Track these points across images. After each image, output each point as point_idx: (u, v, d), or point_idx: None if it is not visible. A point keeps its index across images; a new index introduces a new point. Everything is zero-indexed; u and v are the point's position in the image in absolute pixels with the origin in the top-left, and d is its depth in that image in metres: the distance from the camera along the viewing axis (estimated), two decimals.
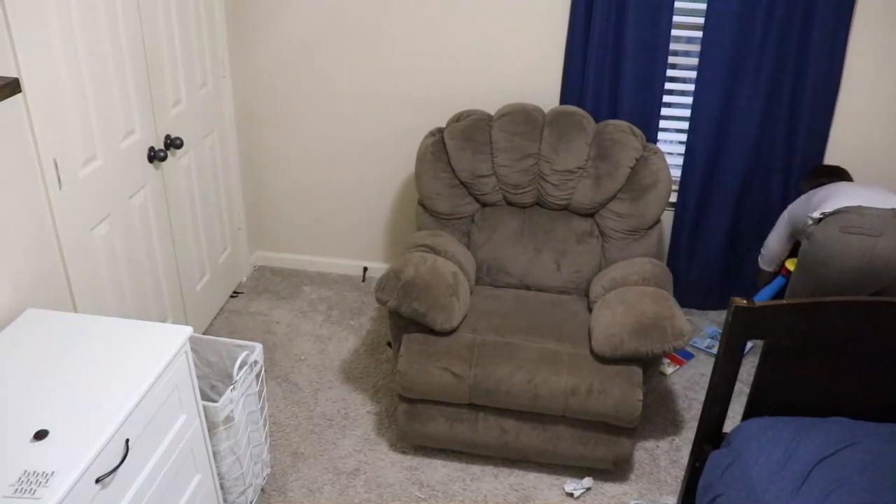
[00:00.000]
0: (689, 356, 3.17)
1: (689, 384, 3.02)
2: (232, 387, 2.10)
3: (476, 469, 2.59)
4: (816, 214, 2.55)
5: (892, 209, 2.44)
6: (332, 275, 3.72)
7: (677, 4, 2.90)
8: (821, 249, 2.49)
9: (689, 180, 3.17)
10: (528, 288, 2.85)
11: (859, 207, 2.47)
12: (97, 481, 1.51)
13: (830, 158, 3.06)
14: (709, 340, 3.25)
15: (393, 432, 2.73)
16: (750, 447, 1.94)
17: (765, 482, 1.83)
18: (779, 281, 3.20)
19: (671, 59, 3.01)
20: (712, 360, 3.15)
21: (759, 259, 3.06)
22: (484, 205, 2.92)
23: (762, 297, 3.22)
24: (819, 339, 1.95)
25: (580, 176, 2.81)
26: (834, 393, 2.04)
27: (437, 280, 2.51)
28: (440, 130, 2.92)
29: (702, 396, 2.91)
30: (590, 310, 2.68)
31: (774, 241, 2.93)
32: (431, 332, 2.48)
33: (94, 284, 2.28)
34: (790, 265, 3.11)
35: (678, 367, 3.10)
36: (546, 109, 2.92)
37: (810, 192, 2.77)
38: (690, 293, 3.40)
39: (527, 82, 3.12)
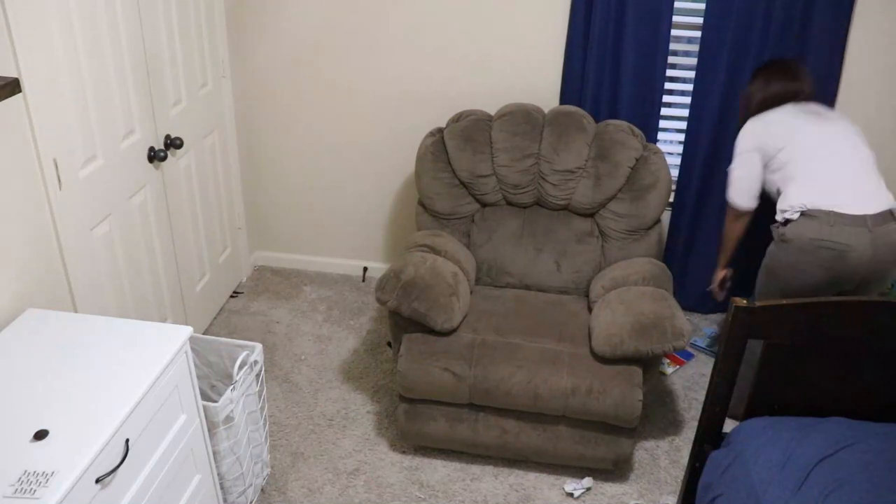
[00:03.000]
0: (689, 356, 3.17)
1: (689, 384, 3.02)
2: (232, 387, 2.10)
3: (476, 469, 2.59)
4: (788, 212, 2.45)
5: (864, 215, 2.34)
6: (332, 275, 3.72)
7: (677, 4, 2.90)
8: (791, 257, 2.43)
9: (687, 181, 3.17)
10: (528, 288, 2.85)
11: (830, 214, 2.35)
12: (97, 481, 1.51)
13: None
14: (709, 340, 3.25)
15: (393, 432, 2.73)
16: (750, 447, 1.94)
17: (765, 482, 1.83)
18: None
19: (671, 59, 3.02)
20: (712, 360, 3.15)
21: (730, 193, 2.70)
22: (484, 205, 2.92)
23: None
24: (819, 339, 1.95)
25: (580, 176, 2.81)
26: (834, 393, 2.04)
27: (437, 280, 2.51)
28: (440, 130, 2.92)
29: (702, 396, 2.91)
30: (590, 310, 2.68)
31: (746, 173, 2.63)
32: (431, 332, 2.48)
33: (94, 284, 2.28)
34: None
35: (678, 367, 3.10)
36: (546, 109, 2.93)
37: (762, 120, 2.60)
38: (686, 295, 3.39)
39: (527, 82, 3.12)
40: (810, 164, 2.48)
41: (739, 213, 2.73)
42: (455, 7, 3.04)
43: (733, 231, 2.79)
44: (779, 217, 2.49)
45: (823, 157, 2.48)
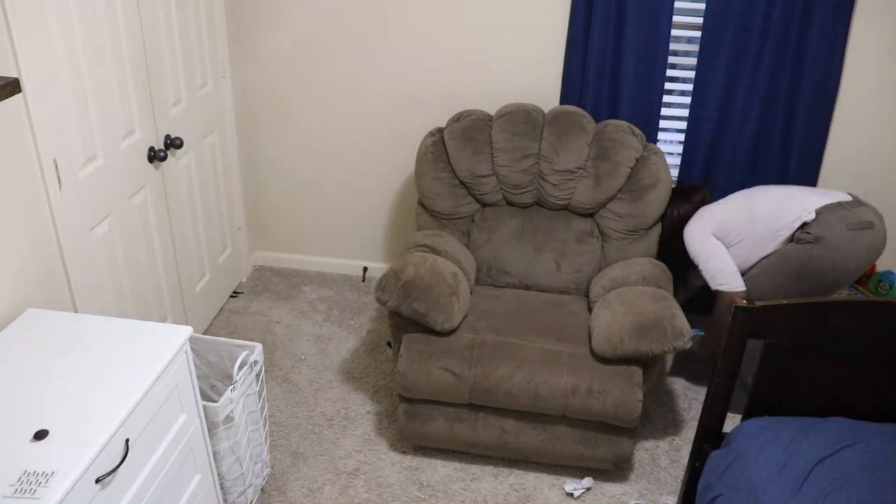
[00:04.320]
0: None
1: (689, 384, 3.02)
2: (232, 387, 2.10)
3: (476, 469, 2.59)
4: (802, 216, 2.49)
5: (850, 200, 2.52)
6: (332, 275, 3.72)
7: (677, 4, 2.90)
8: (834, 251, 2.43)
9: (687, 181, 3.16)
10: (528, 288, 2.85)
11: (839, 203, 2.49)
12: (97, 481, 1.51)
13: (828, 161, 3.06)
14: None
15: (393, 432, 2.73)
16: (750, 447, 1.94)
17: (765, 482, 1.83)
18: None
19: (671, 59, 3.01)
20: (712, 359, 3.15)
21: (723, 284, 2.63)
22: (484, 205, 2.92)
23: None
24: (819, 339, 1.95)
25: (580, 176, 2.81)
26: (834, 393, 2.04)
27: (437, 280, 2.51)
28: (440, 130, 2.92)
29: (702, 396, 2.91)
30: (590, 310, 2.68)
31: (722, 259, 2.64)
32: (431, 332, 2.48)
33: (94, 284, 2.28)
34: None
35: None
36: (546, 109, 2.92)
37: (714, 207, 2.73)
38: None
39: (527, 82, 3.12)
40: (772, 191, 2.67)
41: (740, 295, 2.62)
42: (455, 7, 3.04)
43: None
44: (794, 225, 2.51)
45: (773, 187, 2.71)
